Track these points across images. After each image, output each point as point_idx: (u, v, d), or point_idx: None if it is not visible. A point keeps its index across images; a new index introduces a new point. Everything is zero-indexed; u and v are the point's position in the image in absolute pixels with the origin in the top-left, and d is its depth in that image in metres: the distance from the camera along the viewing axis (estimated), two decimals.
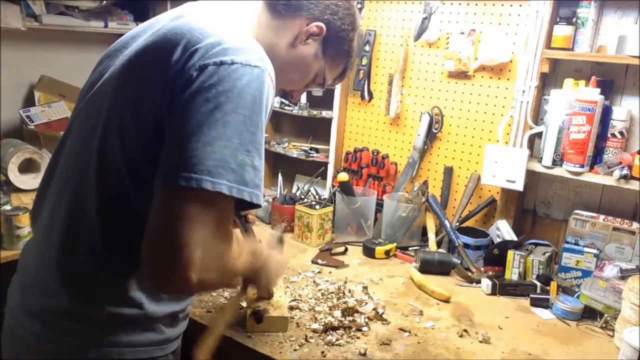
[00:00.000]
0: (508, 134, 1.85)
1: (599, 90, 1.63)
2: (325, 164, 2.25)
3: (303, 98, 2.22)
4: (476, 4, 1.90)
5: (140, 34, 1.00)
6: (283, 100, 2.27)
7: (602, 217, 1.71)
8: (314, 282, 1.64)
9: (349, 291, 1.57)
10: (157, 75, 0.87)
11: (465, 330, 1.40)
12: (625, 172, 1.59)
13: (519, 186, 1.80)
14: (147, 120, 0.87)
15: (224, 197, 0.80)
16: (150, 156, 0.84)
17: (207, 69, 0.83)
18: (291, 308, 1.45)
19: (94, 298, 0.94)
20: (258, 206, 0.86)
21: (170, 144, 0.83)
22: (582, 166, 1.66)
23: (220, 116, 0.81)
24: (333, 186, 2.16)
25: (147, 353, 0.99)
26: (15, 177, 2.01)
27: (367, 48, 2.11)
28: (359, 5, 2.08)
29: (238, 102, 0.82)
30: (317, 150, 2.31)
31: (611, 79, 1.72)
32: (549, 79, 1.82)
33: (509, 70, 1.87)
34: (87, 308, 0.94)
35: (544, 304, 1.58)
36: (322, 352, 1.26)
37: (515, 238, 1.81)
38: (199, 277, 0.78)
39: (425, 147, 2.06)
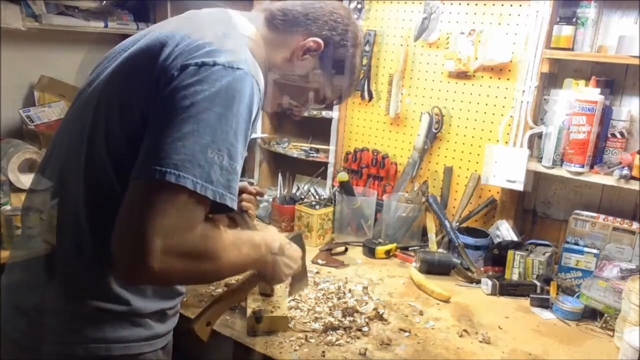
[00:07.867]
0: (508, 134, 1.85)
1: (599, 90, 1.63)
2: (326, 164, 2.25)
3: None
4: (476, 4, 1.90)
5: (140, 38, 1.02)
6: None
7: (602, 217, 1.71)
8: (314, 282, 1.64)
9: (349, 291, 1.57)
10: (145, 75, 0.89)
11: (465, 330, 1.40)
12: (625, 172, 1.59)
13: (519, 186, 1.80)
14: (133, 118, 0.88)
15: (190, 193, 0.80)
16: (133, 153, 0.85)
17: (187, 69, 0.85)
18: (291, 308, 1.45)
19: (80, 293, 0.94)
20: (228, 208, 0.86)
21: (146, 138, 0.85)
22: (583, 166, 1.66)
23: (195, 112, 0.82)
24: (333, 186, 2.16)
25: (135, 349, 0.99)
26: (15, 177, 2.01)
27: (367, 48, 2.11)
28: (359, 5, 2.08)
29: (215, 101, 0.83)
30: (317, 150, 2.31)
31: (611, 79, 1.72)
32: (549, 79, 1.82)
33: (509, 70, 1.87)
34: (73, 304, 0.94)
35: (544, 304, 1.58)
36: (322, 352, 1.26)
37: (515, 238, 1.81)
38: (160, 266, 0.79)
39: (426, 147, 2.05)
